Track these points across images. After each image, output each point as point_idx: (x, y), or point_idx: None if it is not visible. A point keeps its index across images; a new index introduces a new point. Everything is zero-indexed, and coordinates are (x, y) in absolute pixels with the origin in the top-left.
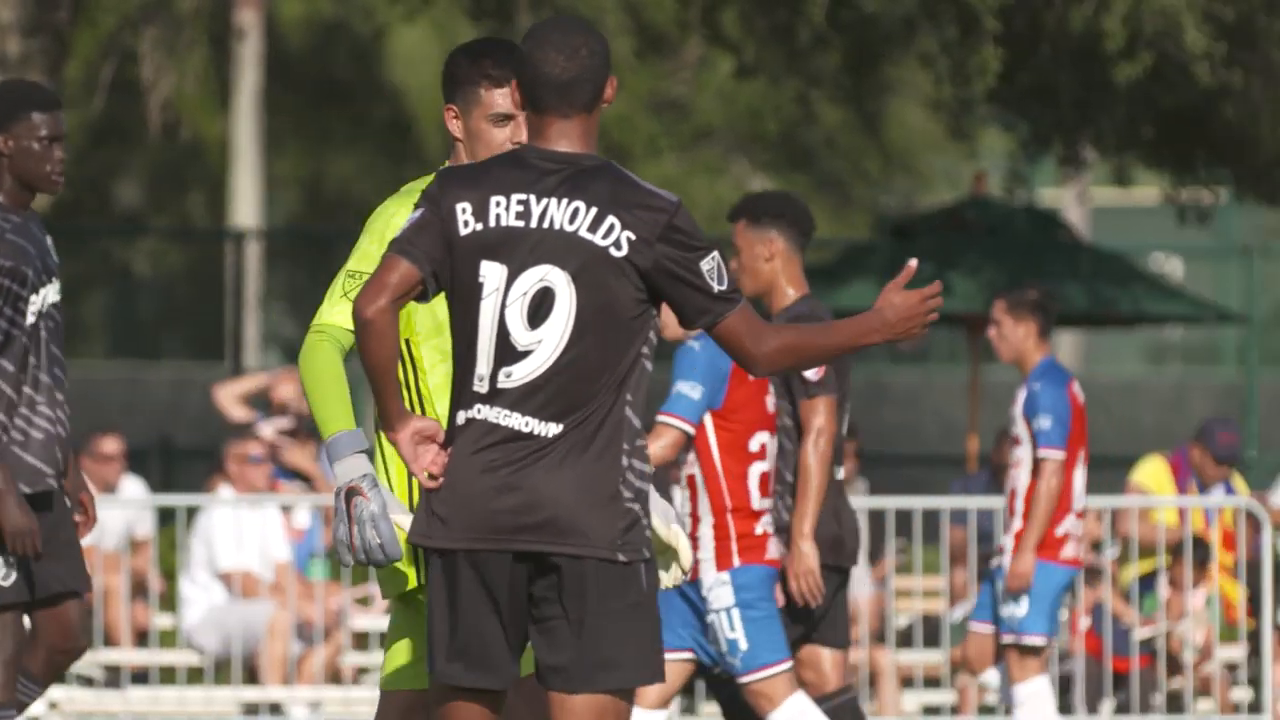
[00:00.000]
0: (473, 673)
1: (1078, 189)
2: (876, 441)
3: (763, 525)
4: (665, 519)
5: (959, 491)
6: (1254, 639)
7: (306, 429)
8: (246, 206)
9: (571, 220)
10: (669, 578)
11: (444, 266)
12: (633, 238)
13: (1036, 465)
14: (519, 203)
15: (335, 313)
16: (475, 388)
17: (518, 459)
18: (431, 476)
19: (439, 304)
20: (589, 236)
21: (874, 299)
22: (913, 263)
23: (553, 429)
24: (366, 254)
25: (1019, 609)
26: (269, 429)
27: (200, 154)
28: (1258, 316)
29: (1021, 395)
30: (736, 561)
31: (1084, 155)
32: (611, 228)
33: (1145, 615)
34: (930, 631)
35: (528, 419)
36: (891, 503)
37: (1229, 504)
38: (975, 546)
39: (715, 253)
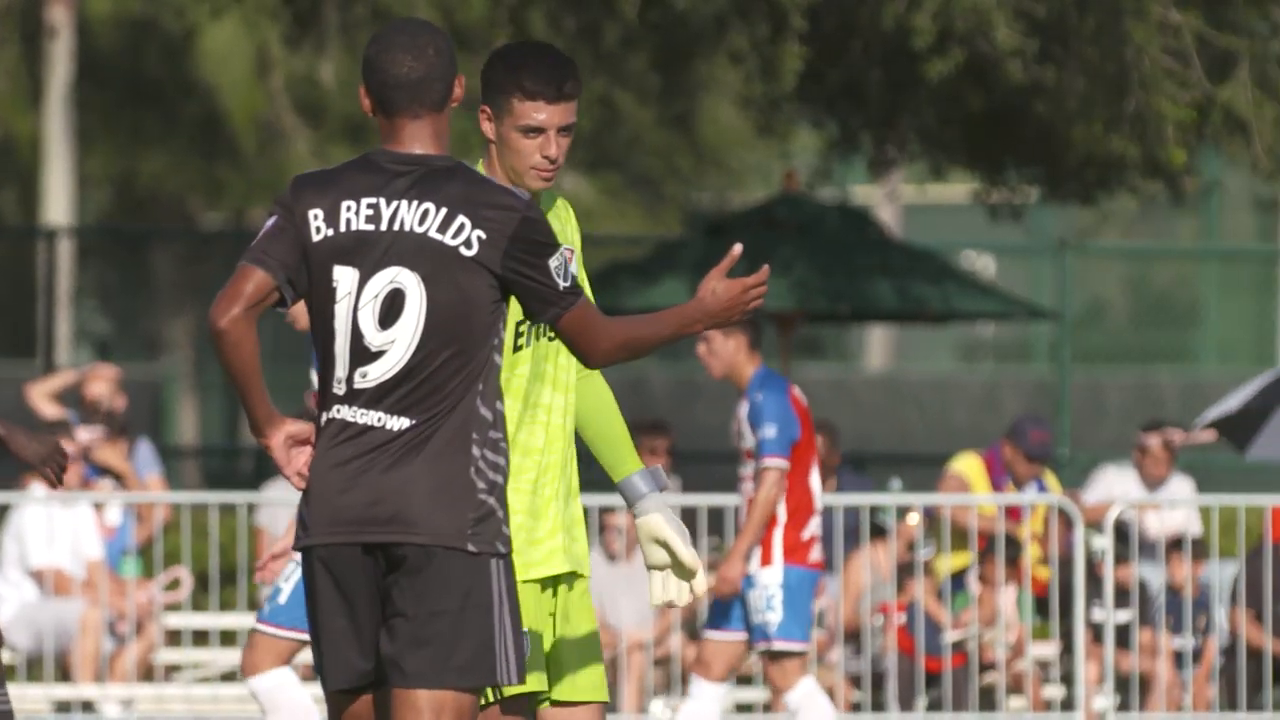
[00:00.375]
0: (331, 672)
1: (887, 188)
2: (689, 439)
3: None
4: (684, 538)
5: None
6: (1066, 636)
7: (118, 427)
8: (58, 204)
9: (421, 221)
10: (681, 595)
11: (299, 273)
12: (483, 237)
13: (760, 475)
14: (369, 206)
15: None
16: (334, 389)
17: (366, 453)
18: (303, 478)
19: None
20: (439, 237)
21: (686, 297)
22: (736, 248)
23: (403, 423)
24: None
25: (773, 615)
26: (86, 435)
27: (11, 151)
28: (1069, 314)
29: (744, 408)
30: None
31: (892, 155)
32: (462, 227)
33: (956, 613)
34: None
35: (380, 415)
36: (704, 500)
37: (1042, 501)
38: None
39: (561, 249)
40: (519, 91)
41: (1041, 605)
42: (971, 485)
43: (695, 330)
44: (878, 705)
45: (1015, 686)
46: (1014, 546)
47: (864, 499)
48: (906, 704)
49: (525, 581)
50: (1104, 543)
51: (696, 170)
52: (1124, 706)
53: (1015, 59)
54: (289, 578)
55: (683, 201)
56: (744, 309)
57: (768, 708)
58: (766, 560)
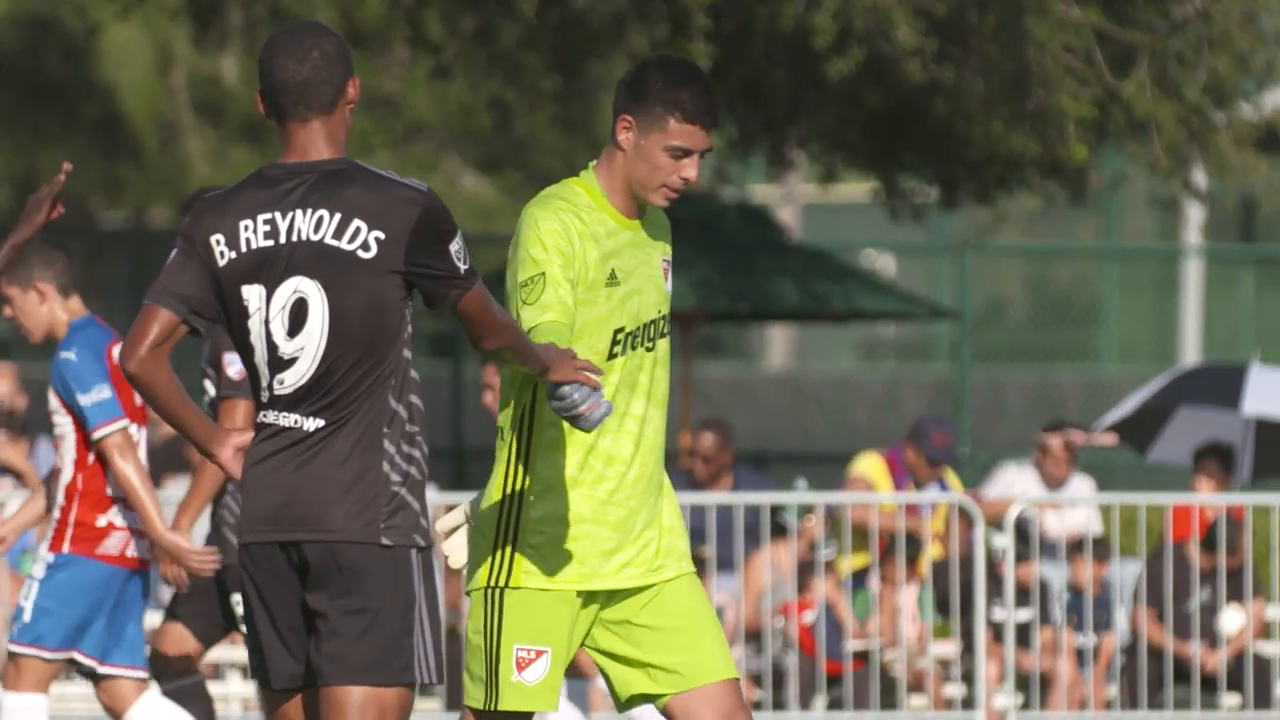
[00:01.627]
0: (260, 672)
1: (785, 188)
2: None
3: (108, 516)
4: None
5: None
6: (967, 635)
7: (18, 426)
8: None
9: (317, 229)
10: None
11: (205, 303)
12: (381, 237)
13: None
14: (266, 223)
15: (531, 314)
16: (262, 396)
17: (280, 452)
18: None
19: (586, 333)
20: (335, 243)
21: None
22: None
23: (318, 423)
24: (526, 262)
25: None
26: None
27: None
28: (970, 312)
29: None
30: (66, 548)
31: (791, 156)
32: (358, 231)
33: (861, 621)
34: None
35: (297, 417)
36: None
37: (943, 500)
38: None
39: (459, 233)
40: (679, 113)
41: (942, 604)
42: (875, 485)
43: (547, 377)
44: (778, 704)
45: (916, 685)
46: (915, 545)
47: (764, 498)
48: (807, 702)
49: (579, 591)
50: (1004, 541)
51: None
52: (1026, 705)
53: (915, 58)
54: (28, 595)
55: None
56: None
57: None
58: None
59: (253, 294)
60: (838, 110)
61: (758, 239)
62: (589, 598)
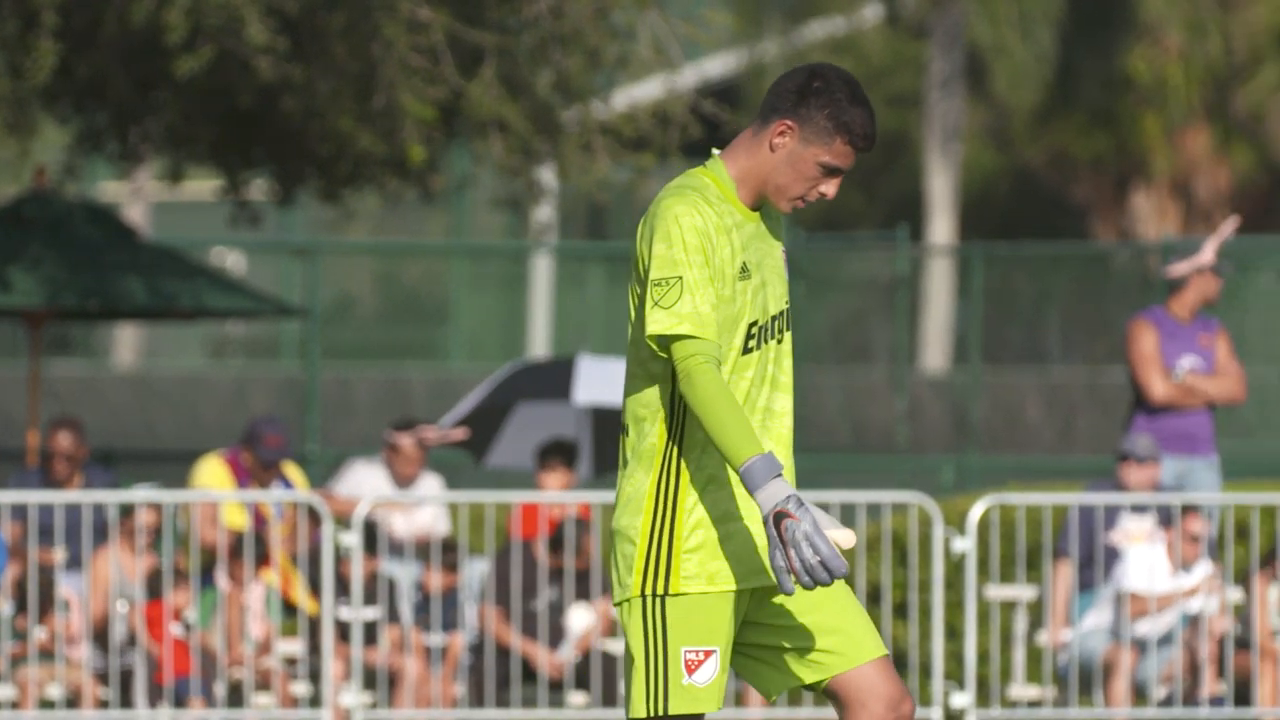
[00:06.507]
0: None
1: (135, 185)
2: None
3: None
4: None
5: (16, 486)
6: (315, 633)
7: None
8: None
9: None
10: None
11: None
12: None
13: None
14: None
15: (664, 319)
16: None
17: None
18: None
19: (723, 329)
20: None
21: None
22: None
23: None
24: (663, 260)
25: None
26: None
27: None
28: (318, 310)
29: None
30: None
31: (140, 153)
32: None
33: (204, 616)
34: None
35: None
36: None
37: (290, 498)
38: (35, 543)
39: None
40: (847, 134)
41: (290, 602)
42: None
43: None
44: (126, 703)
45: (263, 683)
46: (262, 544)
47: (111, 496)
48: (154, 701)
49: (738, 590)
50: (352, 539)
51: None
52: (374, 704)
53: (266, 56)
54: None
55: None
56: None
57: (73, 704)
58: None
59: None
60: (186, 107)
61: (106, 237)
62: (742, 595)
